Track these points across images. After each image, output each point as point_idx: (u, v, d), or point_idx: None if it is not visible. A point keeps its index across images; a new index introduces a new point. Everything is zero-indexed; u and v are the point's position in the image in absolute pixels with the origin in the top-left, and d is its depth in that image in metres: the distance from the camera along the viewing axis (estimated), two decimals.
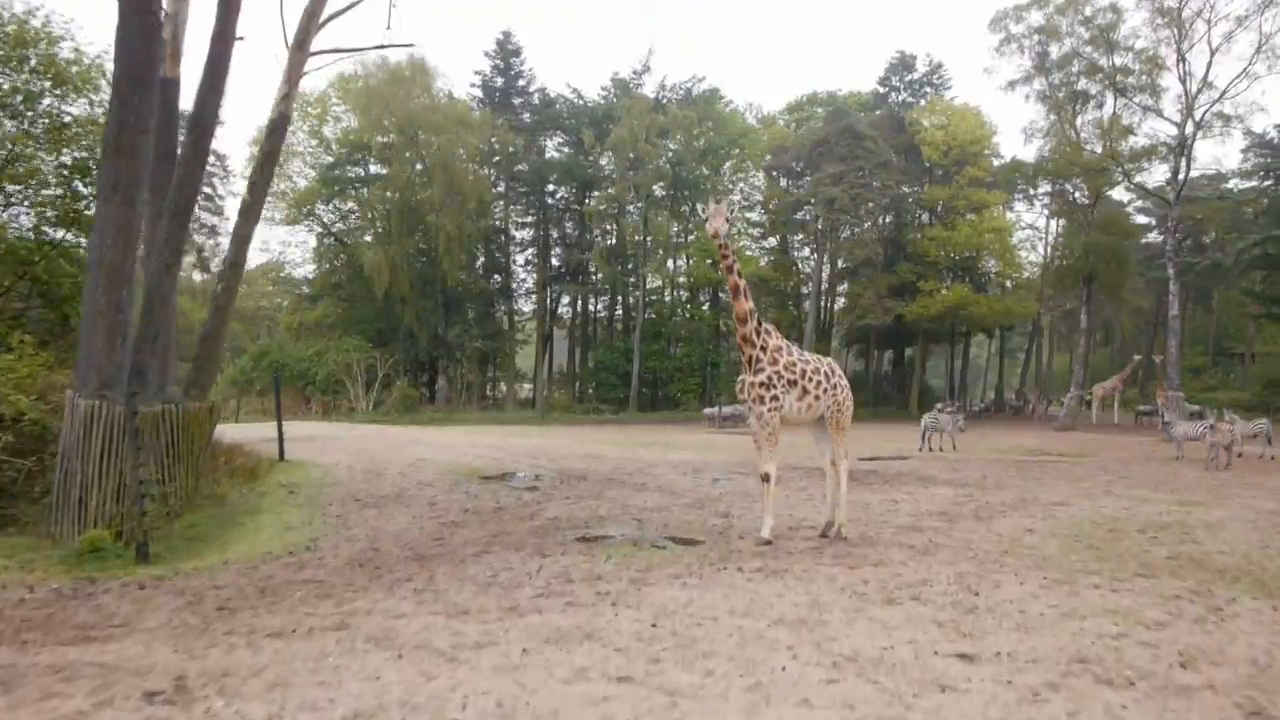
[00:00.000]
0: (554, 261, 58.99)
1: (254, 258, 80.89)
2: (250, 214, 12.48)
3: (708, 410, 41.88)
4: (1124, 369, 46.85)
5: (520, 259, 60.60)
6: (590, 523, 11.31)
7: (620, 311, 59.82)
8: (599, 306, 61.71)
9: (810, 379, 9.54)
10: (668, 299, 58.38)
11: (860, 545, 9.61)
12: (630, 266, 55.46)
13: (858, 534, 10.39)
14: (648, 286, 54.75)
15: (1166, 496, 14.92)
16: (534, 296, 58.48)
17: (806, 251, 59.87)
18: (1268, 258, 40.87)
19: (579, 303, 59.95)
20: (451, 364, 52.79)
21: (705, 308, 59.00)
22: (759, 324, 9.41)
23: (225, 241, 67.73)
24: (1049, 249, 60.61)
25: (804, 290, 57.89)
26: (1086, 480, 17.50)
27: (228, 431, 24.95)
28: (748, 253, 59.42)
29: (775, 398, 9.29)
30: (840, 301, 60.38)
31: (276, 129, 12.43)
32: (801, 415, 9.64)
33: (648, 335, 52.50)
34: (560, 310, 60.52)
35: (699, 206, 56.08)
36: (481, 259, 56.91)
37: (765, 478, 9.48)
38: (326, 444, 22.36)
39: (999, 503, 13.76)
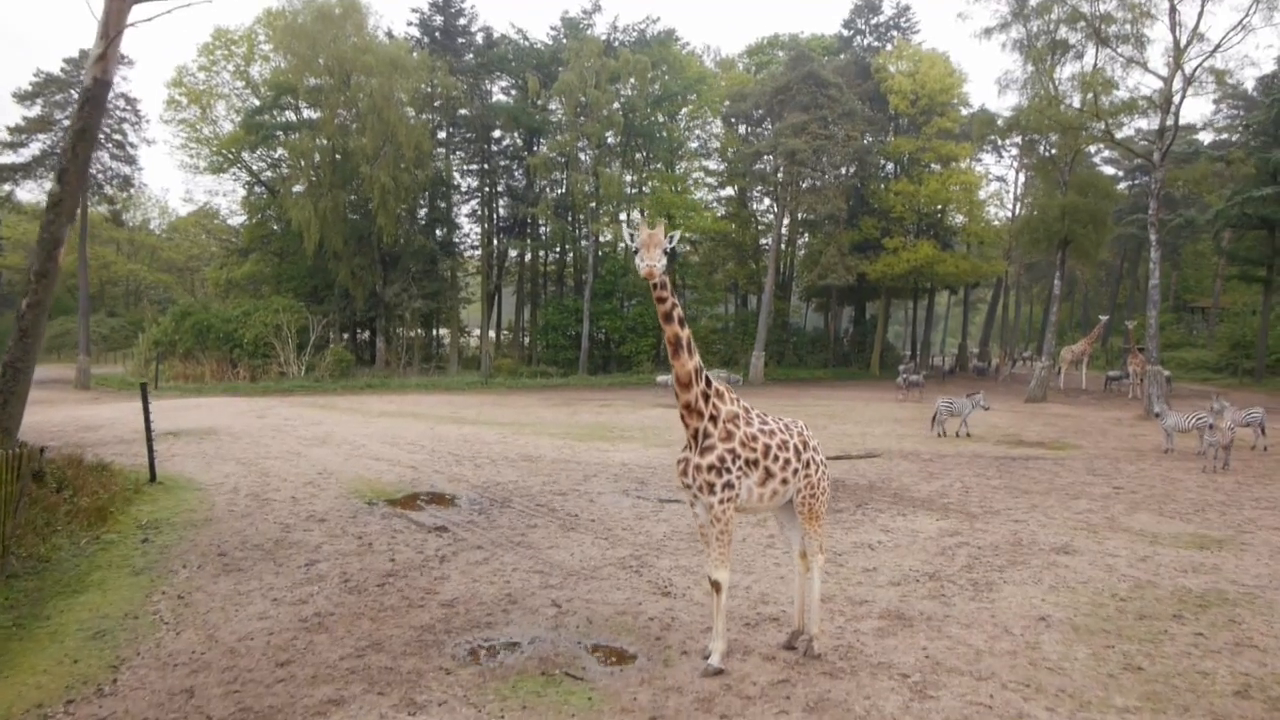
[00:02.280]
0: (500, 211, 55.93)
1: (180, 208, 76.54)
2: (62, 210, 9.68)
3: (661, 379, 39.50)
4: (1091, 331, 45.39)
5: (465, 209, 57.45)
6: (495, 611, 8.94)
7: (571, 268, 57.05)
8: (548, 263, 58.84)
9: (775, 457, 7.15)
10: (620, 253, 55.69)
11: (837, 671, 7.32)
12: (581, 219, 52.59)
13: (832, 633, 8.16)
14: (600, 240, 51.97)
15: (1179, 529, 12.93)
16: (479, 252, 55.36)
17: (767, 202, 57.41)
18: (1245, 217, 39.20)
19: (526, 259, 57.02)
20: (391, 324, 49.79)
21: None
22: (707, 384, 6.99)
23: (141, 193, 63.71)
24: (1017, 202, 58.71)
25: (763, 242, 55.50)
26: (1080, 495, 15.51)
27: (119, 423, 22.07)
28: (705, 208, 56.69)
29: (729, 485, 6.90)
30: (801, 253, 58.14)
31: (91, 99, 9.55)
32: (764, 504, 7.29)
33: (599, 294, 49.89)
34: (508, 265, 57.61)
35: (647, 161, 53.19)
36: (424, 209, 53.61)
37: (715, 586, 7.15)
38: (222, 445, 19.71)
39: (992, 547, 11.66)
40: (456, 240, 55.26)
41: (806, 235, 57.08)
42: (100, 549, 11.33)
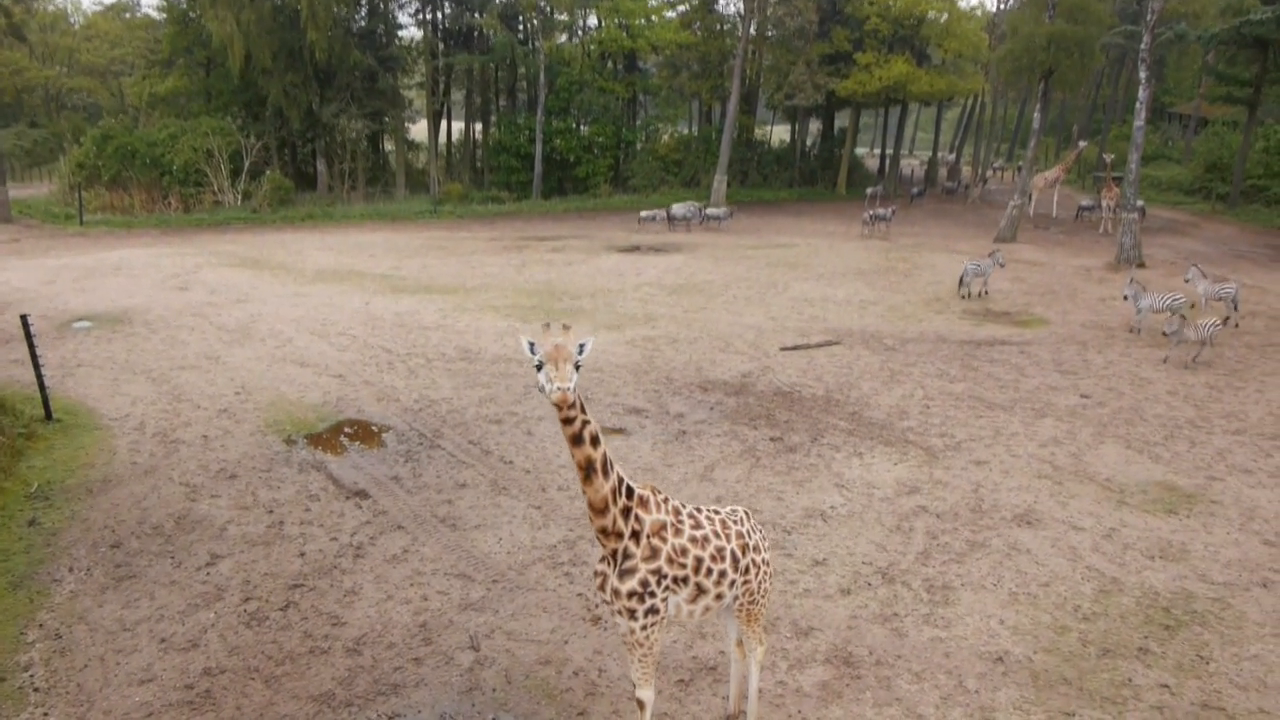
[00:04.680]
0: (446, 9, 51.47)
1: (90, 6, 69.44)
2: None
3: (645, 214, 36.81)
4: (1066, 156, 43.70)
5: (406, 16, 52.76)
6: (405, 660, 8.10)
7: (523, 82, 53.32)
8: (498, 78, 54.88)
9: (709, 570, 6.08)
10: (575, 69, 51.87)
11: None
12: (534, 26, 48.58)
13: (771, 695, 7.47)
14: (556, 45, 48.22)
15: (1147, 474, 12.36)
16: (422, 65, 51.27)
17: (733, 7, 53.35)
18: (1241, 38, 36.83)
19: (474, 74, 53.06)
20: (331, 146, 46.64)
21: (620, 69, 52.94)
22: (628, 496, 5.80)
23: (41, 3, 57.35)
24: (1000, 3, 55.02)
25: (729, 43, 51.87)
26: (1045, 412, 14.91)
27: (32, 299, 20.02)
28: (667, 12, 52.41)
29: (652, 610, 5.88)
30: (767, 62, 54.62)
31: None
32: (695, 619, 6.33)
33: (553, 111, 46.83)
34: (455, 78, 53.71)
35: None
36: (364, 10, 49.06)
37: (640, 705, 6.28)
38: (134, 344, 18.23)
39: (951, 514, 11.01)
40: (399, 47, 50.93)
41: (774, 31, 53.27)
42: None
